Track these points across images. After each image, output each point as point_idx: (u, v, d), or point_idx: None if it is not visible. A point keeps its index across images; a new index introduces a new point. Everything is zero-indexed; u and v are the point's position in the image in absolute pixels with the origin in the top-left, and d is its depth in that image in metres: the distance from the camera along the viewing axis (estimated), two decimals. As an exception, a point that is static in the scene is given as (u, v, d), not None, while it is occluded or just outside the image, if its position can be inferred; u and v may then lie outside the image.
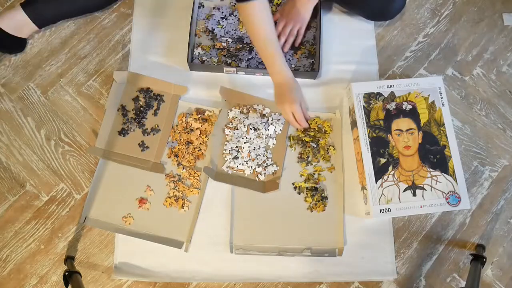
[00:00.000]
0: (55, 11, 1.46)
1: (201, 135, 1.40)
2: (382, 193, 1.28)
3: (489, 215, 1.41)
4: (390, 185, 1.29)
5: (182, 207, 1.35)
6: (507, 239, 1.39)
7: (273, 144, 1.40)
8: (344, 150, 1.42)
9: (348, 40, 1.55)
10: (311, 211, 1.35)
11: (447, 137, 1.33)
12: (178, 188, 1.36)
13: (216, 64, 1.47)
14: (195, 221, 1.34)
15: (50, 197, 1.37)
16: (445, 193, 1.28)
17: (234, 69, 1.44)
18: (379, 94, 1.36)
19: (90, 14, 1.54)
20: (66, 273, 1.18)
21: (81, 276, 1.21)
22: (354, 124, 1.38)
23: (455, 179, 1.30)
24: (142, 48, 1.50)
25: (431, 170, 1.30)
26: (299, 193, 1.37)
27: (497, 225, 1.40)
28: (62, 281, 1.18)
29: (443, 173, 1.30)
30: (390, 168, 1.30)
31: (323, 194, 1.37)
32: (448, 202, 1.28)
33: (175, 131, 1.41)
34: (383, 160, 1.31)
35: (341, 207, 1.36)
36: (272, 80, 1.35)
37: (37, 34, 1.50)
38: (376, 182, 1.29)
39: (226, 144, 1.39)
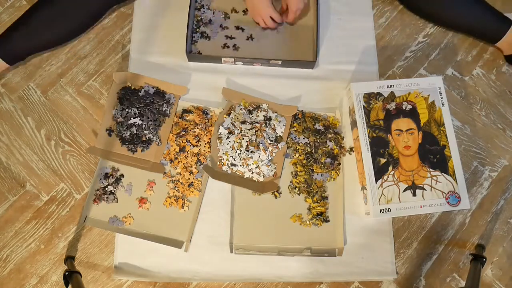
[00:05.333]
0: (27, 48, 1.42)
1: (202, 135, 1.40)
2: (382, 193, 1.28)
3: (489, 215, 1.41)
4: (390, 185, 1.29)
5: (182, 207, 1.35)
6: (507, 239, 1.39)
7: (274, 151, 1.39)
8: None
9: (348, 40, 1.55)
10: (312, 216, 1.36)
11: (447, 137, 1.33)
12: (178, 188, 1.36)
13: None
14: (195, 221, 1.34)
15: (50, 197, 1.37)
16: (445, 193, 1.29)
17: (232, 59, 1.44)
18: (379, 94, 1.36)
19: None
20: (66, 273, 1.18)
21: (81, 276, 1.21)
22: (354, 124, 1.38)
23: (455, 179, 1.30)
24: (142, 48, 1.50)
25: (431, 170, 1.30)
26: (298, 194, 1.37)
27: (497, 225, 1.40)
28: (62, 281, 1.18)
29: (443, 173, 1.30)
30: (390, 168, 1.30)
31: (323, 194, 1.37)
32: (448, 202, 1.28)
33: (173, 132, 1.41)
34: (383, 160, 1.31)
35: (341, 207, 1.37)
36: None
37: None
38: (376, 182, 1.29)
39: (220, 145, 1.39)
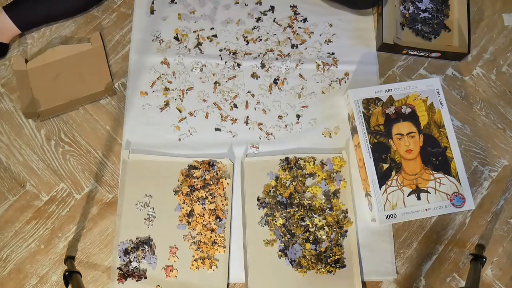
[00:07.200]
0: (39, 14, 1.44)
1: (215, 189, 1.36)
2: (387, 199, 1.28)
3: (489, 215, 1.41)
4: (394, 190, 1.28)
5: (210, 267, 1.30)
6: (507, 239, 1.39)
7: None
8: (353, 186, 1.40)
9: (348, 40, 1.55)
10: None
11: (447, 138, 1.33)
12: (202, 249, 1.31)
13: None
14: (227, 279, 1.30)
15: (50, 197, 1.36)
16: (449, 194, 1.29)
17: None
18: (378, 99, 1.36)
19: (86, 13, 1.53)
20: (66, 273, 1.17)
21: (81, 276, 1.21)
22: (354, 130, 1.37)
23: (458, 180, 1.30)
24: (142, 48, 1.50)
25: (434, 172, 1.30)
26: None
27: (497, 225, 1.40)
28: (62, 281, 1.18)
29: (446, 175, 1.30)
30: (393, 173, 1.30)
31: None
32: (453, 204, 1.28)
33: (183, 191, 1.36)
34: (385, 166, 1.30)
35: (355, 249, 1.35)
36: None
37: (37, 34, 1.50)
38: (380, 188, 1.28)
39: None
